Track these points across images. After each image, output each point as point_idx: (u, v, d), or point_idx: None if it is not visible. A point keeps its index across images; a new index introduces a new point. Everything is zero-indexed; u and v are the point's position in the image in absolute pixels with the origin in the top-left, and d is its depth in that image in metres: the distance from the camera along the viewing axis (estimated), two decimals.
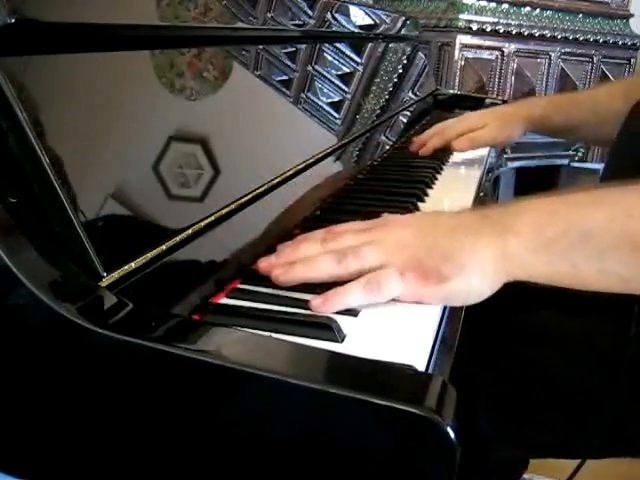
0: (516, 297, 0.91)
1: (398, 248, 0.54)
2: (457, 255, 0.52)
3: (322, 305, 0.51)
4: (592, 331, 0.76)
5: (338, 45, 1.07)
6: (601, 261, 0.51)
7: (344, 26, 1.13)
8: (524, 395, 0.80)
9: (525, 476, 1.10)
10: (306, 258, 0.55)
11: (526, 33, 2.30)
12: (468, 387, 0.40)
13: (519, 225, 0.52)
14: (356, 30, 1.19)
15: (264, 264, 0.56)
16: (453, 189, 0.97)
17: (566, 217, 0.52)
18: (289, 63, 0.89)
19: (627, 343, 0.67)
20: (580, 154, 2.60)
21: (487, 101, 1.69)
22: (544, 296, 0.89)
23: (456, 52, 2.19)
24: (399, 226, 0.57)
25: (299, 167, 0.76)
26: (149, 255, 0.47)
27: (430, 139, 1.12)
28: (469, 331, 0.55)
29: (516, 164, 2.42)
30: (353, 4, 1.18)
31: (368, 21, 1.26)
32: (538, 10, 2.36)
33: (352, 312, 0.53)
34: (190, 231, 0.53)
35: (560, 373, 0.80)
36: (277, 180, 0.70)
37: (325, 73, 1.00)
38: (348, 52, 1.11)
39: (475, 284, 0.52)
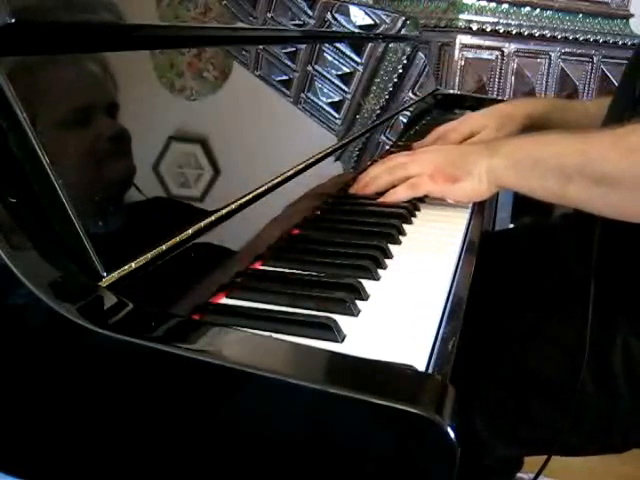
0: (510, 299, 0.93)
1: (430, 162, 0.84)
2: (466, 166, 0.81)
3: (386, 200, 0.85)
4: (583, 330, 0.77)
5: (338, 45, 1.07)
6: (544, 181, 0.75)
7: (344, 26, 1.13)
8: (518, 393, 0.81)
9: (523, 476, 1.11)
10: (374, 176, 0.88)
11: (526, 33, 2.30)
12: (463, 387, 0.40)
13: (501, 151, 0.80)
14: (356, 30, 1.19)
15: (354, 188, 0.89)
16: None
17: (528, 149, 0.79)
18: (289, 63, 0.89)
19: (584, 345, 0.77)
20: None
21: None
22: (537, 298, 0.90)
23: (456, 52, 2.19)
24: (432, 150, 0.90)
25: (299, 167, 0.76)
26: (149, 255, 0.47)
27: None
28: (464, 333, 0.57)
29: None
30: (353, 4, 1.18)
31: (368, 21, 1.26)
32: (538, 10, 2.36)
33: (352, 312, 0.54)
34: (190, 231, 0.53)
35: (553, 371, 0.81)
36: (277, 180, 0.70)
37: (325, 73, 1.00)
38: (348, 52, 1.11)
39: (476, 185, 0.81)
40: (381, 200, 0.85)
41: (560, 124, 1.09)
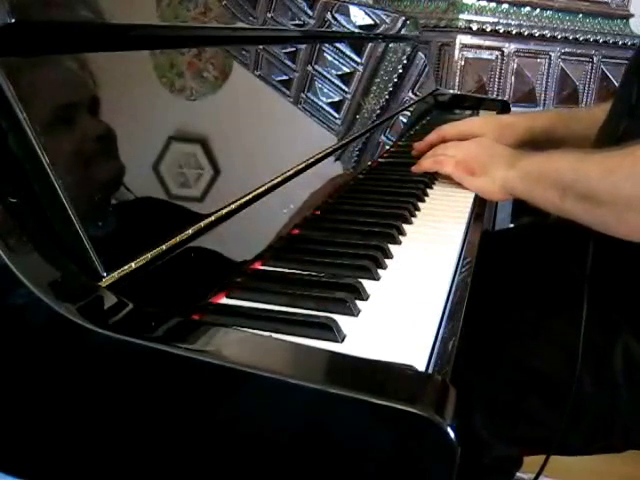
0: (509, 299, 0.93)
1: (464, 151, 0.98)
2: (487, 166, 0.92)
3: (415, 169, 1.01)
4: (581, 328, 0.77)
5: (338, 45, 1.07)
6: (545, 193, 0.82)
7: (344, 26, 1.13)
8: (517, 392, 0.82)
9: (524, 476, 1.11)
10: (429, 144, 1.08)
11: (526, 33, 2.30)
12: (461, 387, 0.40)
13: (518, 165, 0.88)
14: (356, 30, 1.19)
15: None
16: (453, 189, 0.97)
17: (536, 163, 0.86)
18: (289, 63, 0.89)
19: (579, 334, 0.79)
20: None
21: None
22: (536, 298, 0.90)
23: (456, 52, 2.19)
24: (473, 142, 1.00)
25: (299, 167, 0.76)
26: (149, 255, 0.47)
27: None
28: (463, 332, 0.57)
29: None
30: (353, 4, 1.18)
31: (368, 21, 1.26)
32: (538, 10, 2.35)
33: (352, 312, 0.54)
34: (190, 231, 0.53)
35: (552, 370, 0.81)
36: (277, 180, 0.70)
37: (325, 73, 1.00)
38: (348, 52, 1.11)
39: (488, 184, 0.91)
40: (412, 169, 1.02)
41: (565, 138, 1.08)
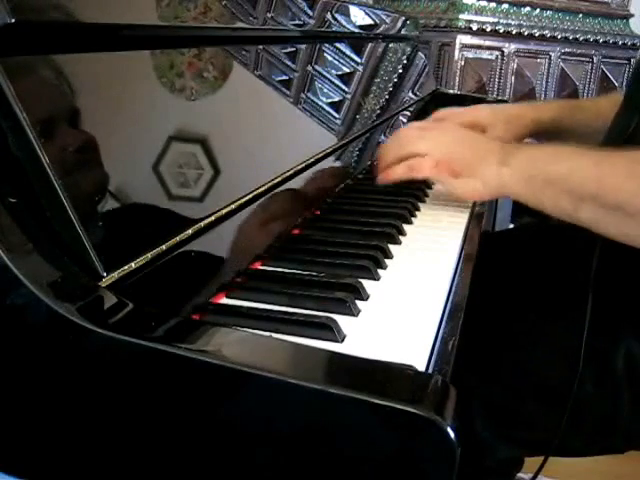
0: (510, 300, 0.92)
1: (442, 148, 0.81)
2: (474, 166, 0.79)
3: (384, 177, 0.83)
4: (583, 332, 0.77)
5: (338, 45, 1.07)
6: (556, 201, 0.73)
7: (344, 26, 1.13)
8: (518, 395, 0.81)
9: (524, 476, 1.10)
10: (386, 151, 0.85)
11: (526, 33, 2.30)
12: (462, 388, 0.40)
13: (513, 162, 0.76)
14: (356, 30, 1.19)
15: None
16: None
17: (541, 166, 0.75)
18: (289, 63, 0.89)
19: (581, 341, 0.77)
20: None
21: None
22: (537, 299, 0.90)
23: (456, 52, 2.19)
24: (447, 133, 0.85)
25: (299, 167, 0.76)
26: (149, 255, 0.47)
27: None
28: (463, 333, 0.57)
29: None
30: (353, 4, 1.18)
31: (368, 21, 1.26)
32: (538, 10, 2.35)
33: (352, 312, 0.54)
34: (190, 231, 0.53)
35: (552, 372, 0.81)
36: (277, 180, 0.70)
37: (325, 73, 1.00)
38: (348, 52, 1.11)
39: (478, 186, 0.78)
40: (378, 178, 0.82)
41: (571, 128, 1.06)
